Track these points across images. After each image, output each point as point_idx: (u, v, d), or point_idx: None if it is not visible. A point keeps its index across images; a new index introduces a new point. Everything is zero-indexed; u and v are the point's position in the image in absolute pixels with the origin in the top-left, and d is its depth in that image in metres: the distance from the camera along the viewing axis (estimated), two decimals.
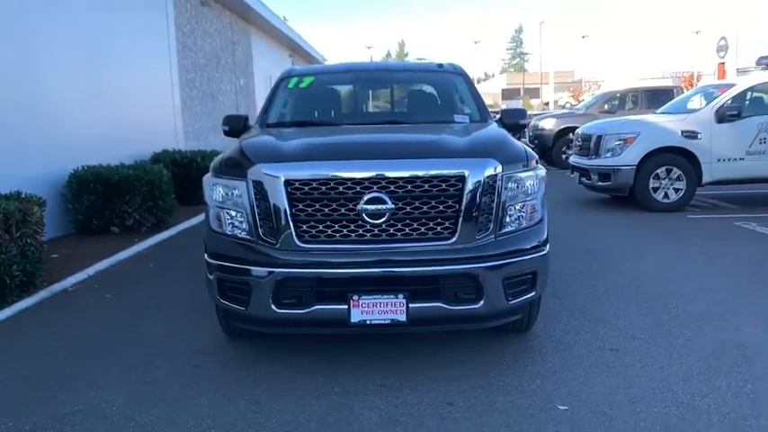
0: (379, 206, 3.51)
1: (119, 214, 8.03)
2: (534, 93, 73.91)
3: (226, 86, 15.69)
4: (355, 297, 3.52)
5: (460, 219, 3.57)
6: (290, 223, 3.57)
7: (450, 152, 3.76)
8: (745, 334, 4.28)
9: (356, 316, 3.53)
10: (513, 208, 3.70)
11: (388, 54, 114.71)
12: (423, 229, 3.57)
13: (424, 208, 3.56)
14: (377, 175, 3.53)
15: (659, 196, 9.39)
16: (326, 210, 3.56)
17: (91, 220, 7.97)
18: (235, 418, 3.31)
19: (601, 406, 3.34)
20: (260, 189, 3.63)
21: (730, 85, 9.76)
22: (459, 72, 5.39)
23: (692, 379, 3.62)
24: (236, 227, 3.74)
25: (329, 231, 3.57)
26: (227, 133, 5.17)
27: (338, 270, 3.56)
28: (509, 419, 3.22)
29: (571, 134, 16.24)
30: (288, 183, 3.56)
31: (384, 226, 3.55)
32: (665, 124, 9.62)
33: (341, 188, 3.54)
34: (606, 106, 18.40)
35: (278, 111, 5.07)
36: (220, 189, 3.82)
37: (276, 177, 3.58)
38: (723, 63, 22.78)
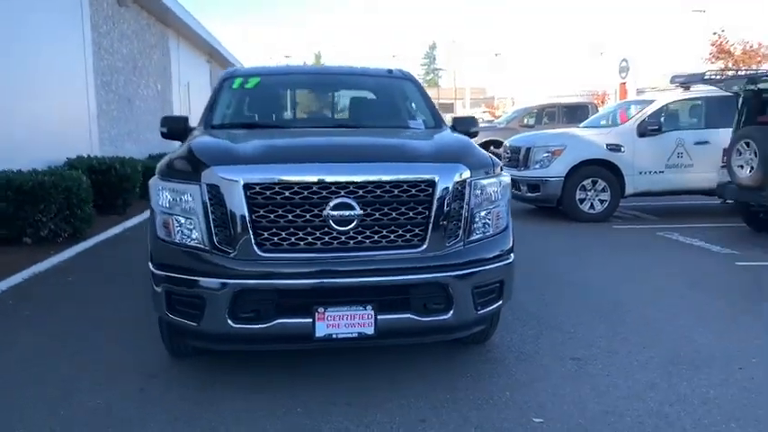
0: (347, 212, 3.32)
1: (32, 223, 7.39)
2: (448, 108, 75.47)
3: (143, 91, 14.97)
4: (320, 309, 3.29)
5: (430, 225, 3.42)
6: (250, 230, 3.31)
7: (418, 157, 3.62)
8: (695, 339, 4.36)
9: (321, 330, 3.31)
10: (479, 215, 3.60)
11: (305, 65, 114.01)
12: (392, 237, 3.40)
13: (394, 214, 3.39)
14: (345, 179, 3.34)
15: (585, 207, 9.64)
16: (290, 216, 3.33)
17: (1, 230, 7.29)
18: None
19: (575, 417, 3.26)
20: (215, 193, 3.35)
21: (650, 101, 10.19)
22: (409, 78, 5.27)
23: (657, 387, 3.62)
24: (186, 234, 3.44)
25: (292, 239, 3.34)
26: (165, 135, 4.82)
27: (302, 281, 3.32)
28: None
29: (493, 146, 16.61)
30: (247, 187, 3.30)
31: (351, 233, 3.35)
32: (591, 137, 9.92)
33: (305, 193, 3.32)
34: (526, 120, 18.97)
35: (222, 111, 4.76)
36: (168, 193, 3.51)
37: (234, 181, 3.31)
38: (624, 83, 23.98)
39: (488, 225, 3.64)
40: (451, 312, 3.44)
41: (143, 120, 14.60)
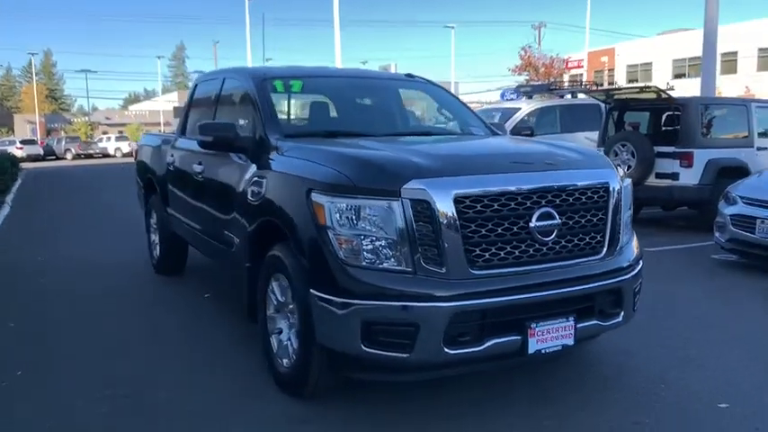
0: (550, 222, 3.22)
1: None
2: None
3: None
4: (532, 325, 3.15)
5: (607, 230, 3.47)
6: (461, 247, 3.04)
7: (589, 163, 3.62)
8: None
9: (533, 346, 3.17)
10: (626, 216, 3.72)
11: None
12: (581, 244, 3.38)
13: (582, 221, 3.37)
14: (543, 187, 3.24)
15: None
16: (499, 229, 3.13)
17: None
18: None
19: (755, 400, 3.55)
20: (421, 209, 3.01)
21: (516, 109, 11.15)
22: (436, 84, 5.18)
23: None
24: (380, 255, 3.04)
25: (501, 254, 3.14)
26: (209, 145, 4.13)
27: (515, 296, 3.13)
28: None
29: None
30: (458, 200, 3.03)
31: (551, 243, 3.26)
32: None
33: (512, 204, 3.15)
34: None
35: (292, 119, 4.20)
36: (351, 211, 3.06)
37: (445, 194, 3.02)
38: None
39: (629, 227, 3.78)
40: (622, 314, 3.53)
41: None
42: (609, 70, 49.60)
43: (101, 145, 49.99)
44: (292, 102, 4.44)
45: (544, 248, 3.24)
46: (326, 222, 3.12)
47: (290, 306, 3.53)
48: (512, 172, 3.28)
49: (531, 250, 3.21)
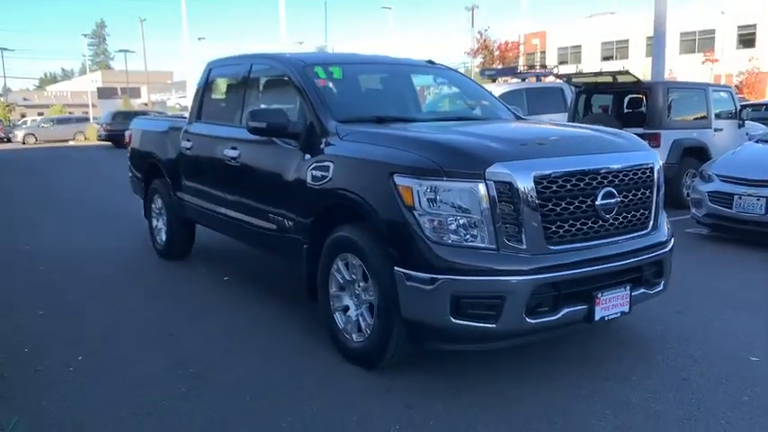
0: (612, 200, 3.54)
1: None
2: (135, 93, 70.73)
3: None
4: (599, 294, 3.47)
5: (652, 207, 3.82)
6: (540, 225, 3.32)
7: (635, 146, 3.93)
8: None
9: (598, 313, 3.49)
10: (662, 196, 4.07)
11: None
12: (634, 221, 3.72)
13: (635, 199, 3.71)
14: (607, 168, 3.56)
15: None
16: (571, 207, 3.42)
17: None
18: None
19: None
20: (504, 190, 3.26)
21: None
22: (453, 69, 5.40)
23: None
24: (465, 234, 3.28)
25: (573, 230, 3.44)
26: (261, 131, 4.23)
27: (585, 269, 3.44)
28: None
29: None
30: (537, 181, 3.30)
31: (611, 220, 3.58)
32: None
33: (581, 184, 3.45)
34: None
35: (337, 105, 4.33)
36: (437, 193, 3.28)
37: (525, 175, 3.28)
38: None
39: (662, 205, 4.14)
40: (662, 282, 3.91)
41: None
42: (541, 52, 51.09)
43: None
44: (342, 89, 4.60)
45: (606, 224, 3.56)
46: (414, 204, 3.32)
47: (361, 284, 3.71)
48: (581, 154, 3.58)
49: (596, 226, 3.52)
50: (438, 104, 5.27)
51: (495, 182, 3.26)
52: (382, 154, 3.59)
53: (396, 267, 3.39)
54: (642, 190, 3.76)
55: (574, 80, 10.35)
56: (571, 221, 3.43)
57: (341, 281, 3.89)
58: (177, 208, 6.11)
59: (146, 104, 58.30)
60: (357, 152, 3.77)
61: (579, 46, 50.68)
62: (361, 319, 3.78)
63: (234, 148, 4.92)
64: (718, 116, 9.98)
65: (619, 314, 3.59)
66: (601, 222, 3.53)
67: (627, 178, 3.66)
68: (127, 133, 7.45)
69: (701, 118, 9.80)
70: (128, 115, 25.27)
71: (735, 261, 6.37)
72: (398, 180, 3.39)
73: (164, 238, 6.52)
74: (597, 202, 3.49)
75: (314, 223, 4.05)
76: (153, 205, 6.71)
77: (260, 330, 4.45)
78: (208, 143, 5.42)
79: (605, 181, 3.54)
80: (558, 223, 3.39)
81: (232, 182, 5.04)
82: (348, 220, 3.82)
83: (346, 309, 3.89)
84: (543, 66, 15.14)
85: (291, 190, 4.24)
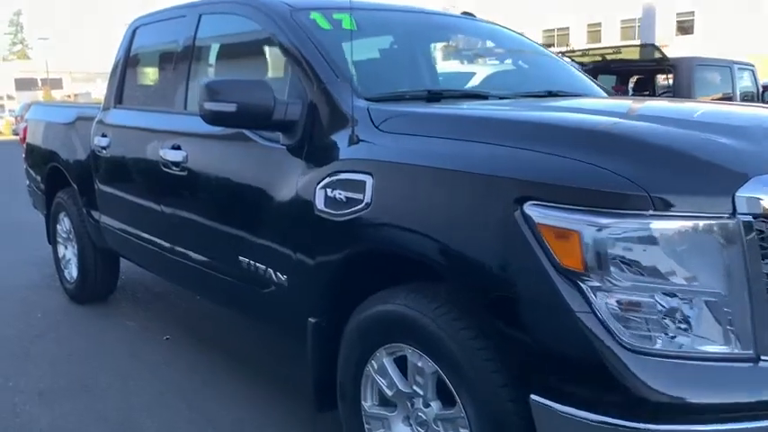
0: None
1: None
2: (56, 84, 66.83)
3: None
4: None
5: None
6: None
7: None
8: None
9: None
10: None
11: None
12: None
13: None
14: None
15: None
16: None
17: None
18: None
19: None
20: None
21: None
22: (505, 27, 3.68)
23: None
24: (699, 330, 1.55)
25: None
26: (227, 119, 2.37)
27: None
28: None
29: None
30: None
31: None
32: None
33: None
34: None
35: (367, 74, 2.53)
36: (645, 245, 1.54)
37: None
38: None
39: None
40: None
41: None
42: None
43: None
44: (345, 47, 2.69)
45: None
46: (584, 266, 1.56)
47: (433, 405, 1.96)
48: None
49: None
50: (502, 74, 3.55)
51: (755, 216, 1.56)
52: (488, 158, 1.82)
53: (535, 397, 1.65)
54: None
55: (577, 59, 8.92)
56: None
57: (387, 390, 2.12)
58: (92, 232, 4.20)
59: (68, 96, 54.73)
60: (425, 155, 1.97)
61: (567, 28, 49.25)
62: None
63: (176, 148, 3.04)
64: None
65: None
66: None
67: None
68: (21, 125, 5.45)
69: (727, 97, 8.54)
70: None
71: None
72: (539, 213, 1.63)
73: (74, 273, 4.57)
74: None
75: (331, 282, 2.26)
76: (59, 227, 4.76)
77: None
78: (134, 139, 3.53)
79: None
80: None
81: (174, 200, 3.17)
82: (403, 280, 2.06)
83: None
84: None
85: (282, 220, 2.44)
